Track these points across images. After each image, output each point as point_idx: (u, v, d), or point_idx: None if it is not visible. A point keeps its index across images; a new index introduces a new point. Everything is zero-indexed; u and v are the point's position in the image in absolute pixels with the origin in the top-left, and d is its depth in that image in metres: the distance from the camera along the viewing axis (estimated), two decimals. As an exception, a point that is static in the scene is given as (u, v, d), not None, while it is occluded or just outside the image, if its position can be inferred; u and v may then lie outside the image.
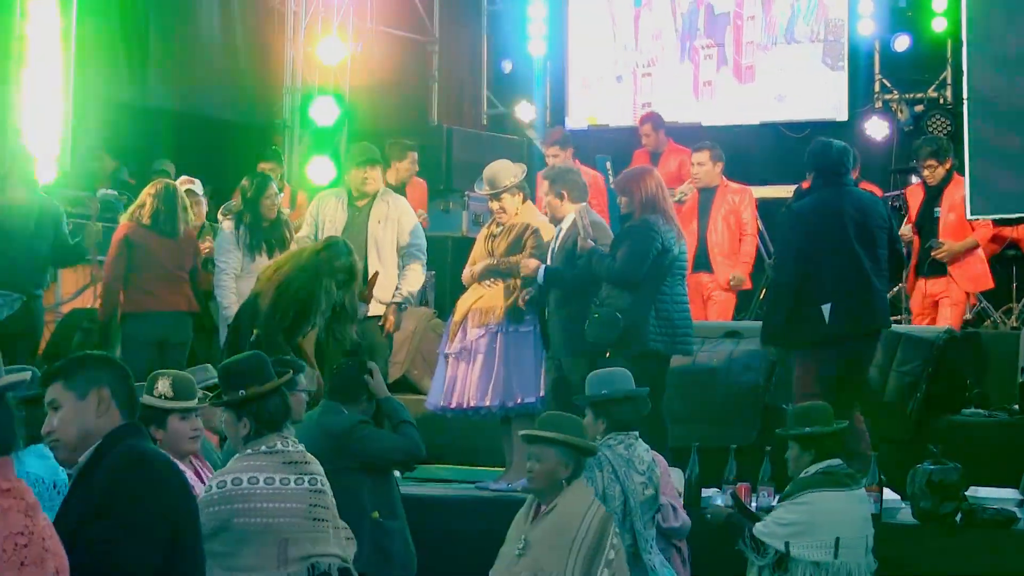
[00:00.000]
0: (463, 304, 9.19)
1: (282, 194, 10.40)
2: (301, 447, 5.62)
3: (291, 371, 6.10)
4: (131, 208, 9.99)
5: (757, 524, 6.78)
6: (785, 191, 9.80)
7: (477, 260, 9.22)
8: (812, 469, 6.77)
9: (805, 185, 8.76)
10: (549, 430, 5.88)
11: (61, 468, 5.43)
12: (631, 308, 8.59)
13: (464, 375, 9.00)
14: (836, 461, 6.79)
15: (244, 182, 10.11)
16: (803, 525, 6.65)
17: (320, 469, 5.59)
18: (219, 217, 10.37)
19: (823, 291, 8.37)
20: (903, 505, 7.89)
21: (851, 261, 8.50)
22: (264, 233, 9.96)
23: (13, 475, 3.35)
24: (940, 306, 11.17)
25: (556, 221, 9.14)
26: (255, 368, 5.66)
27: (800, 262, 8.46)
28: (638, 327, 8.57)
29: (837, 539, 6.61)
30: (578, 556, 5.66)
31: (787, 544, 6.64)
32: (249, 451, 5.47)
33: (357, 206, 9.69)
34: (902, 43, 14.69)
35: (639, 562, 6.41)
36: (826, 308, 8.32)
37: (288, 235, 10.00)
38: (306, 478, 5.49)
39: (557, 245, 9.01)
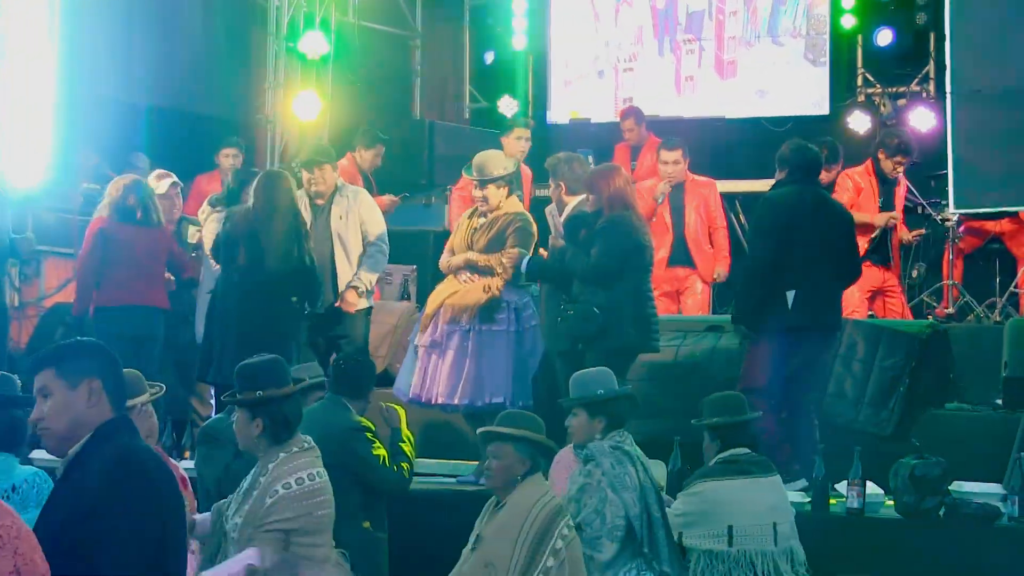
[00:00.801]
0: (436, 297, 9.19)
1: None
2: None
3: (306, 379, 6.25)
4: (104, 202, 9.95)
5: None
6: (766, 185, 9.81)
7: (457, 249, 9.20)
8: (715, 459, 6.84)
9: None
10: (508, 427, 5.92)
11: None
12: (608, 304, 8.63)
13: (435, 370, 9.00)
14: (742, 450, 6.85)
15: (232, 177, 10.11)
16: (695, 515, 6.72)
17: None
18: (205, 208, 10.33)
19: (790, 279, 8.45)
20: (886, 500, 7.88)
21: (818, 255, 8.61)
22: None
23: None
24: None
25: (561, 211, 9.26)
26: (274, 370, 5.82)
27: (773, 248, 8.54)
28: (617, 322, 8.61)
29: (730, 527, 6.64)
30: (524, 545, 5.73)
31: (680, 535, 6.69)
32: (295, 449, 5.74)
33: (317, 204, 9.64)
34: (884, 37, 14.66)
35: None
36: (790, 295, 8.39)
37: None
38: (325, 470, 5.84)
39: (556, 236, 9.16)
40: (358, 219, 9.61)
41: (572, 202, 9.17)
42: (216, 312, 9.23)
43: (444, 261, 9.28)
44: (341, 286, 9.52)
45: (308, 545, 5.68)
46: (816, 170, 8.95)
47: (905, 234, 12.08)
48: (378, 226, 9.69)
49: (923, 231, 12.42)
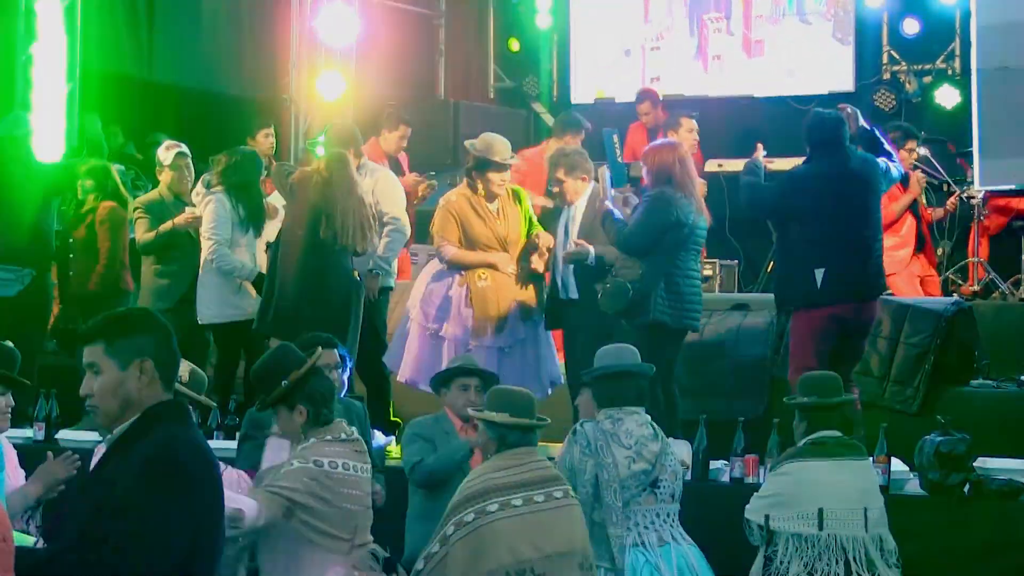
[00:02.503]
0: (506, 296, 8.98)
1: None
2: (359, 437, 5.79)
3: (318, 348, 6.15)
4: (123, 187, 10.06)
5: (748, 506, 6.75)
6: (792, 163, 9.79)
7: (486, 240, 9.02)
8: (802, 441, 6.76)
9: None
10: (492, 405, 5.94)
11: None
12: (641, 279, 8.62)
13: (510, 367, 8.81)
14: (831, 432, 6.72)
15: (224, 157, 9.99)
16: (783, 496, 6.61)
17: (369, 460, 5.78)
18: (200, 190, 10.22)
19: (817, 257, 8.42)
20: (911, 476, 7.88)
21: (847, 227, 8.58)
22: (257, 210, 9.97)
23: None
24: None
25: (568, 203, 9.14)
26: (285, 357, 5.74)
27: (798, 224, 8.51)
28: (646, 298, 8.59)
29: (820, 510, 6.54)
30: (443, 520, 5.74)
31: (766, 517, 6.59)
32: (329, 437, 5.61)
33: None
34: (911, 16, 14.64)
35: (605, 535, 6.41)
36: (819, 272, 8.36)
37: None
38: (366, 466, 5.67)
39: (575, 227, 9.05)
40: (373, 198, 9.54)
41: (585, 190, 9.16)
42: (276, 268, 9.23)
43: (505, 259, 9.03)
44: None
45: (316, 530, 5.51)
46: (839, 137, 8.74)
47: (935, 211, 12.23)
48: (394, 205, 9.57)
49: (955, 201, 12.44)
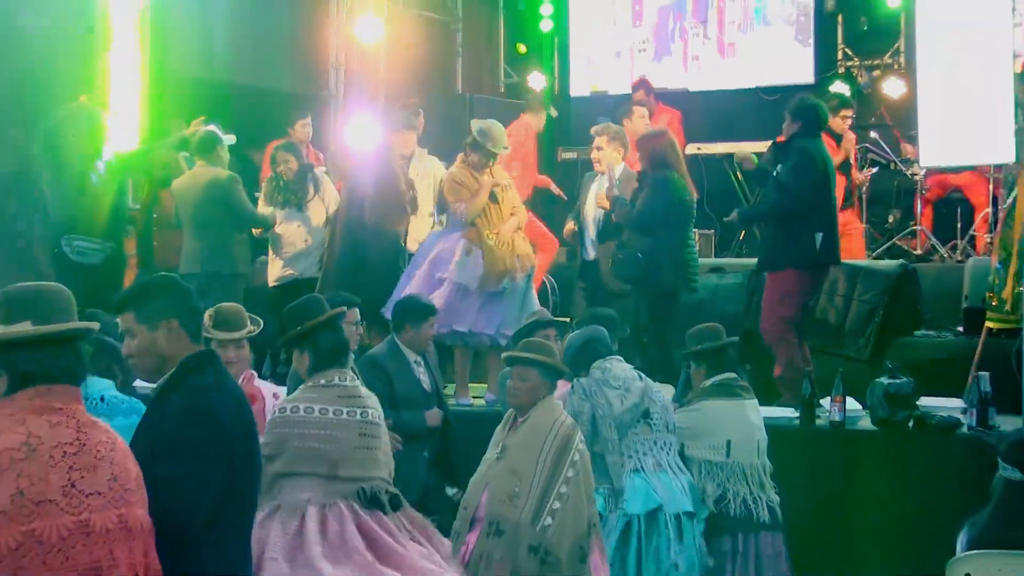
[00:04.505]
0: (513, 250, 8.92)
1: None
2: (358, 382, 5.53)
3: (344, 306, 6.08)
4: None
5: None
6: (761, 147, 9.77)
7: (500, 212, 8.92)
8: (708, 382, 6.82)
9: (780, 139, 8.67)
10: (534, 354, 5.97)
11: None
12: (650, 251, 8.64)
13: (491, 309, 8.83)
14: (730, 374, 6.83)
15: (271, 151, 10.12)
16: (697, 429, 6.71)
17: (375, 403, 5.49)
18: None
19: (817, 221, 8.35)
20: (864, 414, 7.90)
21: (832, 200, 8.58)
22: (284, 190, 9.93)
23: (73, 400, 3.40)
24: None
25: (601, 172, 9.48)
26: (307, 308, 5.59)
27: (809, 194, 8.33)
28: (656, 268, 8.62)
29: (728, 441, 6.65)
30: (548, 456, 5.77)
31: (683, 445, 6.70)
32: (310, 383, 5.39)
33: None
34: (861, 17, 14.68)
35: (603, 463, 6.44)
36: (818, 236, 8.32)
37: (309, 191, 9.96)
38: (358, 410, 5.38)
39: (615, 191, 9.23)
40: (431, 180, 9.61)
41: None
42: (332, 239, 9.23)
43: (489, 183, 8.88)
44: (411, 238, 9.49)
45: (287, 465, 5.24)
46: (824, 123, 8.77)
47: (864, 174, 12.35)
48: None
49: (872, 170, 12.54)
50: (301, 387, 5.44)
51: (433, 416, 7.08)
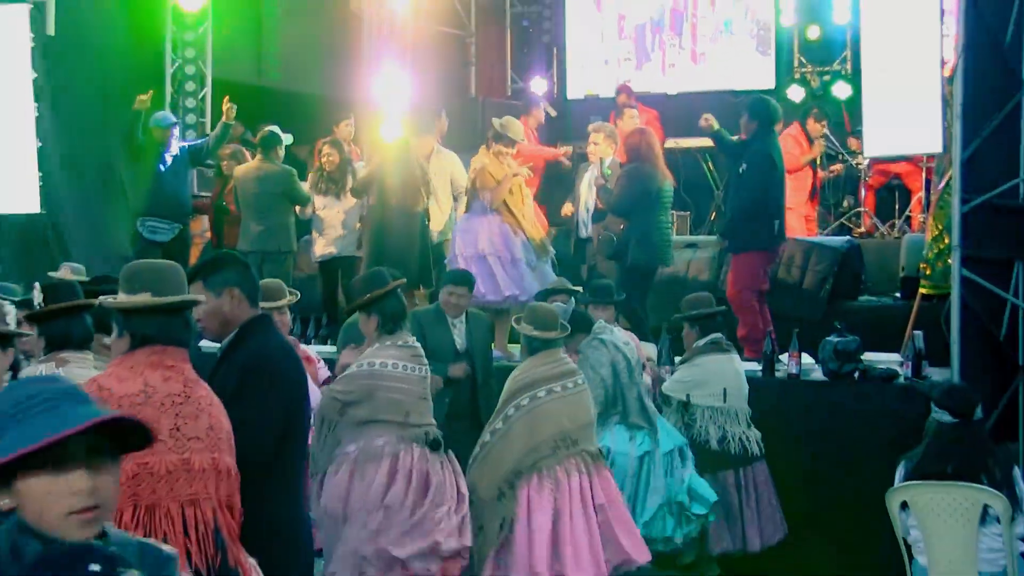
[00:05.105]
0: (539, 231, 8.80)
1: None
2: (418, 344, 5.60)
3: (403, 278, 6.11)
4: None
5: (663, 384, 6.90)
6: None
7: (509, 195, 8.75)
8: (702, 341, 6.86)
9: (742, 136, 8.65)
10: (526, 319, 5.93)
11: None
12: (622, 232, 8.66)
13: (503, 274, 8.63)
14: (718, 335, 6.90)
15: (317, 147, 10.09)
16: (698, 380, 6.77)
17: (426, 362, 5.57)
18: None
19: (774, 209, 8.37)
20: (816, 367, 7.92)
21: (783, 190, 8.56)
22: (327, 180, 9.88)
23: (182, 359, 3.45)
24: None
25: (592, 162, 9.44)
26: (375, 278, 5.63)
27: (768, 188, 8.35)
28: (626, 247, 8.63)
29: (724, 389, 6.72)
30: (501, 404, 5.79)
31: (688, 395, 6.76)
32: (388, 342, 5.43)
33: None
34: (814, 30, 14.62)
35: (626, 407, 6.49)
36: (776, 223, 8.35)
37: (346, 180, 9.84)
38: (421, 368, 5.49)
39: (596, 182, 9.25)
40: (448, 175, 9.51)
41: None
42: (369, 221, 9.21)
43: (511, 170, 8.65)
44: (432, 227, 9.32)
45: (369, 414, 5.33)
46: (777, 121, 8.74)
47: (830, 169, 12.33)
48: (462, 176, 9.43)
49: (841, 166, 12.52)
50: (377, 346, 5.44)
51: (456, 368, 7.03)
